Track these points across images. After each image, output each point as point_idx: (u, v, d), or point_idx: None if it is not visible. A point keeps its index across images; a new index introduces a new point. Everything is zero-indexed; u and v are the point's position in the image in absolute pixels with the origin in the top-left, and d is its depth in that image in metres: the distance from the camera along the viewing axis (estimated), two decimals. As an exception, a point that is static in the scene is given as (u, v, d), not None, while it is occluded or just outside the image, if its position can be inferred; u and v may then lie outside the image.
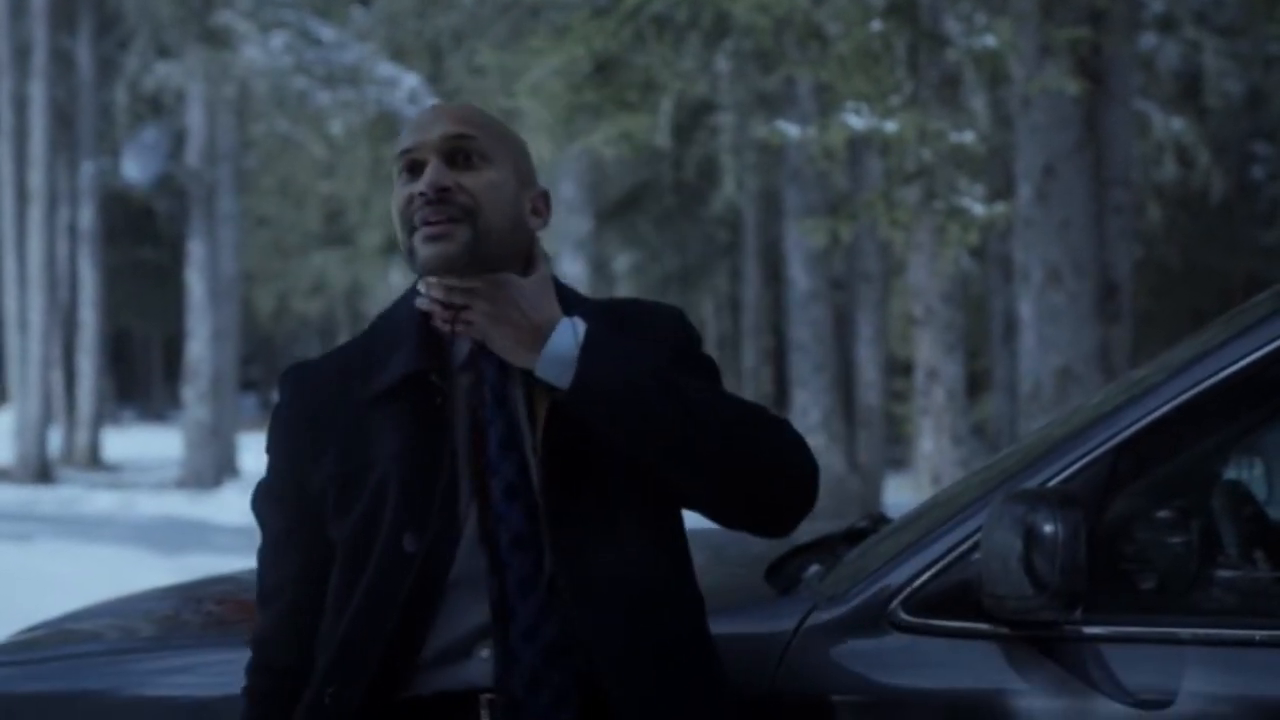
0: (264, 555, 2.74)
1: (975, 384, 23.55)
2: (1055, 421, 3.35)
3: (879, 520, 3.84)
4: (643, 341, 2.58)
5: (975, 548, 2.74)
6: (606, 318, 2.62)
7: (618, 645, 2.50)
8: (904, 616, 2.79)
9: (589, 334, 2.49)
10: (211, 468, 25.09)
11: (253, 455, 27.47)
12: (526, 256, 2.60)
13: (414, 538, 2.52)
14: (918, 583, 2.80)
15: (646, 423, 2.47)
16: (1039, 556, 2.55)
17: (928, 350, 14.89)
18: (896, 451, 27.55)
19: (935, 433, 14.78)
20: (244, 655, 2.86)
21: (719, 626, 2.90)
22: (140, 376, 59.29)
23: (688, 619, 2.62)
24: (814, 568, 3.33)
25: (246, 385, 52.62)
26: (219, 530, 18.18)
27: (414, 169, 2.56)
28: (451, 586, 2.53)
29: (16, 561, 14.37)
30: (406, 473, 2.54)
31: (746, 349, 29.41)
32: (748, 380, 29.53)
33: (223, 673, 3.14)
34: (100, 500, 22.08)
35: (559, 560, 2.51)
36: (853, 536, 3.67)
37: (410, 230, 2.53)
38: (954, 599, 2.76)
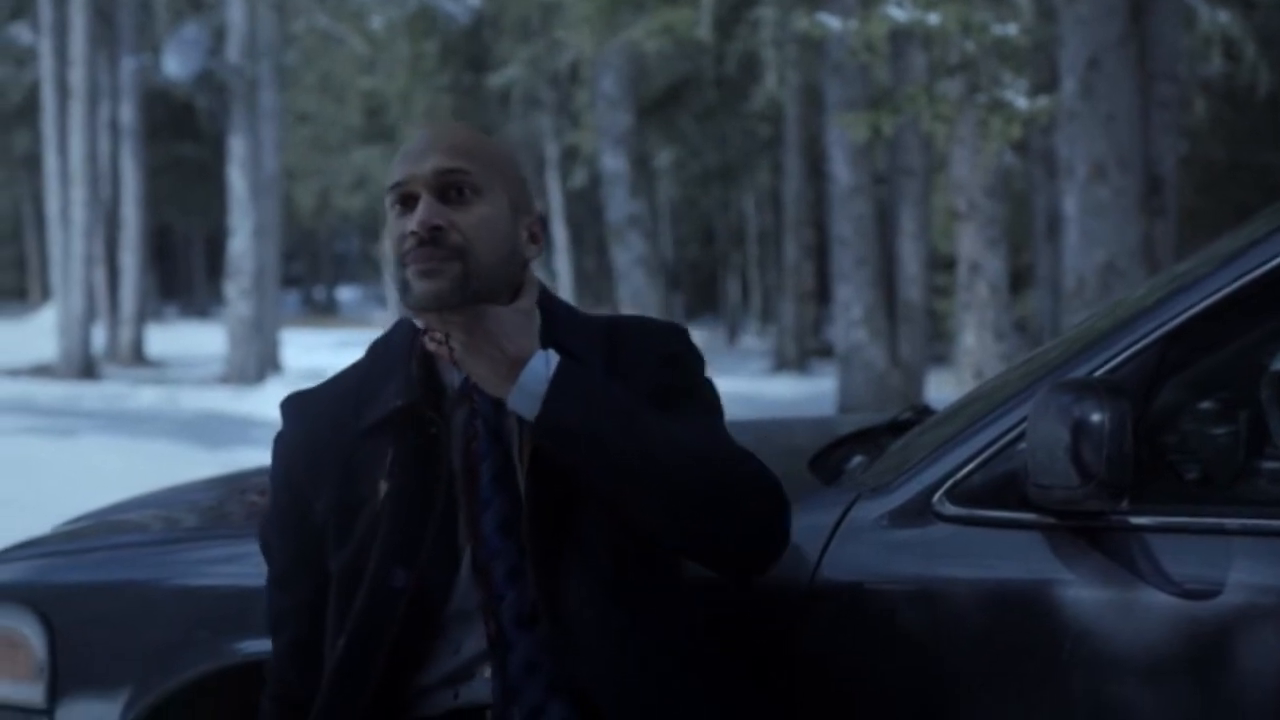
0: (270, 586, 2.75)
1: (1018, 280, 23.46)
2: (1099, 313, 3.32)
3: (923, 411, 3.83)
4: (629, 369, 2.58)
5: (1021, 438, 2.72)
6: (601, 340, 2.61)
7: (612, 679, 2.50)
8: (949, 507, 2.77)
9: (558, 369, 2.47)
10: (254, 363, 25.19)
11: (295, 351, 27.60)
12: (517, 285, 2.59)
13: (403, 573, 2.52)
14: (963, 473, 2.78)
15: (607, 461, 2.45)
16: (1086, 446, 2.53)
17: (970, 245, 14.83)
18: (938, 347, 27.52)
19: (978, 328, 14.74)
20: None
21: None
22: (182, 273, 59.52)
23: (682, 640, 2.60)
24: (858, 459, 3.32)
25: (289, 281, 52.85)
26: (262, 425, 18.27)
27: (406, 202, 2.53)
28: (451, 619, 2.55)
29: (62, 457, 14.47)
30: (397, 507, 2.54)
31: (788, 244, 29.32)
32: (789, 276, 29.46)
33: (259, 565, 3.16)
34: (144, 396, 22.19)
35: (541, 594, 2.50)
36: (897, 428, 3.65)
37: (403, 265, 2.50)
38: (999, 489, 2.75)
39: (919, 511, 2.79)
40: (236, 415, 19.69)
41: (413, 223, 2.47)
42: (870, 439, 3.62)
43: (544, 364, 2.46)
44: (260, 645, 3.05)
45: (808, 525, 2.83)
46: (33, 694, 3.29)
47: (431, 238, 2.45)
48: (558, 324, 2.61)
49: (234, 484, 4.03)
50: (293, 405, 2.73)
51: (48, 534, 3.79)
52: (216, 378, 25.63)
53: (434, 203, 2.48)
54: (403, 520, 2.53)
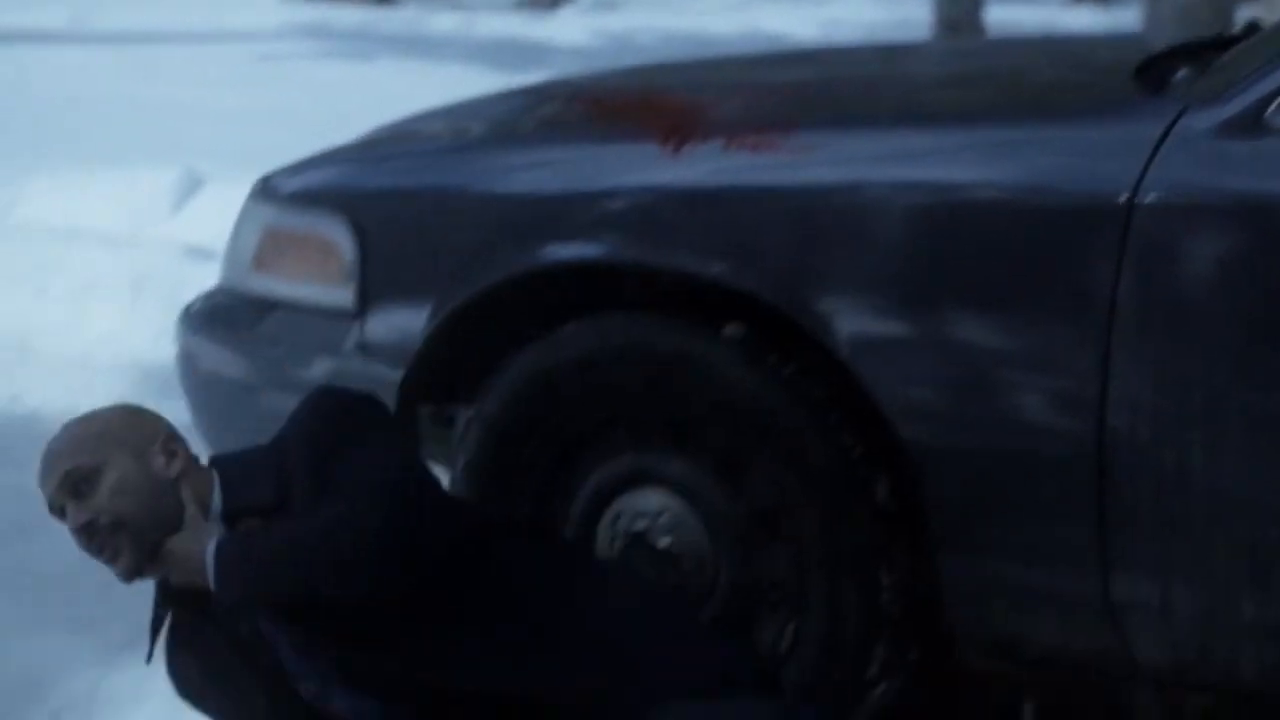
0: None
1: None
2: None
3: (1251, 28, 3.62)
4: (294, 475, 2.79)
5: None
6: (274, 471, 2.82)
7: None
8: (1283, 120, 2.62)
9: (213, 560, 2.70)
10: (546, -9, 25.07)
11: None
12: (180, 505, 2.80)
13: None
14: (1299, 86, 2.62)
15: (283, 589, 2.72)
16: None
17: None
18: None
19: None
20: (586, 154, 2.93)
21: (1080, 129, 2.79)
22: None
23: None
24: (1184, 71, 3.16)
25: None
26: (556, 51, 18.28)
27: (63, 514, 2.79)
28: None
29: (359, 80, 14.67)
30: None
31: None
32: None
33: (561, 171, 3.18)
34: (440, 21, 22.28)
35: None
36: (1223, 44, 3.46)
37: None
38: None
39: (1251, 124, 2.64)
40: (530, 40, 19.70)
41: (72, 530, 2.77)
42: (1196, 54, 3.44)
43: (212, 558, 2.71)
44: (564, 250, 3.07)
45: (1130, 137, 2.71)
46: (343, 298, 3.35)
47: (90, 534, 2.75)
48: (234, 490, 2.83)
49: (529, 95, 4.02)
50: None
51: (353, 142, 3.82)
52: (511, 4, 25.63)
53: (74, 506, 2.76)
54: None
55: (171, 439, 2.86)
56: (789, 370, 2.93)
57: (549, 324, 3.13)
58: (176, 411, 5.09)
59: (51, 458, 2.82)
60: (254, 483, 2.83)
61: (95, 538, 2.75)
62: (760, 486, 2.99)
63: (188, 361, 3.75)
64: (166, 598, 2.87)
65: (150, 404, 5.65)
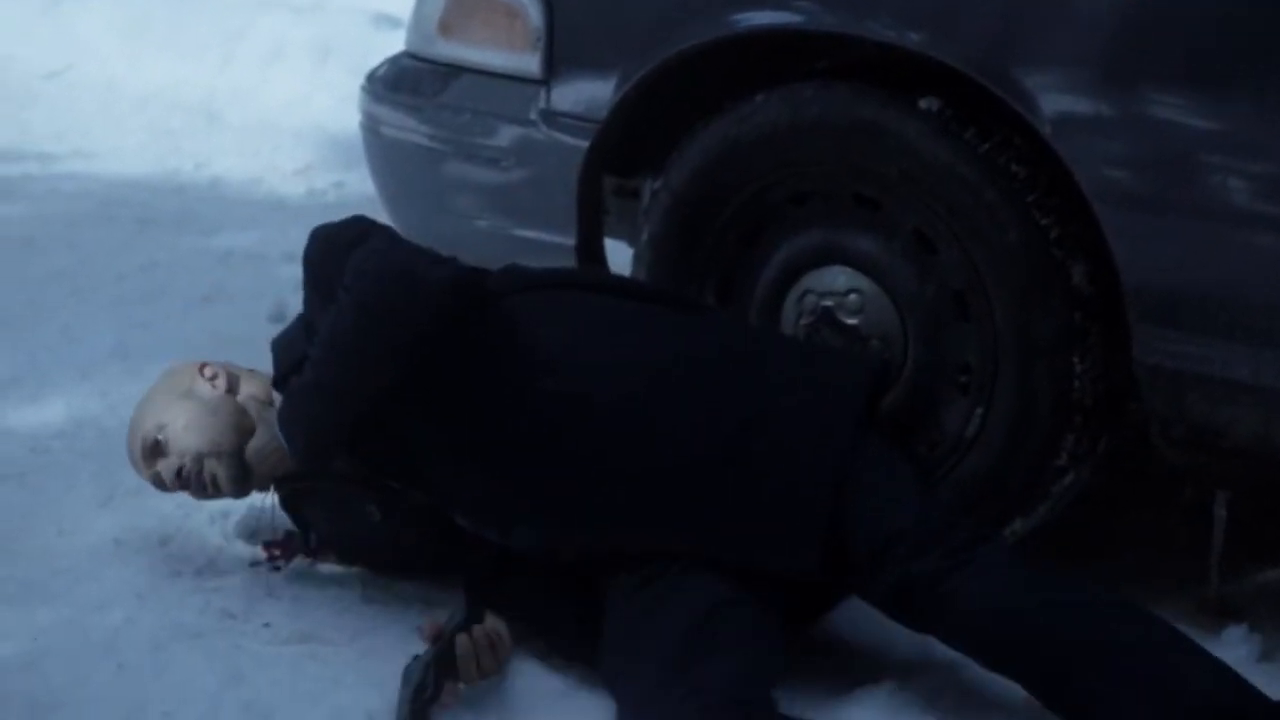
0: None
1: None
2: None
3: None
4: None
5: None
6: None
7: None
8: None
9: (279, 431, 2.85)
10: None
11: None
12: (246, 414, 3.00)
13: None
14: None
15: (345, 404, 2.81)
16: None
17: None
18: None
19: None
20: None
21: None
22: None
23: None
24: None
25: None
26: None
27: (162, 483, 3.03)
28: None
29: None
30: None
31: None
32: None
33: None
34: None
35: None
36: None
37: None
38: None
39: None
40: None
41: (173, 487, 3.01)
42: None
43: (278, 431, 2.87)
44: (758, 17, 2.97)
45: None
46: (529, 64, 3.29)
47: (185, 482, 2.98)
48: (279, 363, 2.98)
49: None
50: None
51: None
52: None
53: (164, 466, 2.99)
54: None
55: (205, 366, 3.08)
56: (986, 146, 2.85)
57: (739, 94, 3.06)
58: (359, 180, 5.14)
59: (128, 451, 3.06)
60: (291, 345, 2.97)
61: (191, 479, 2.96)
62: (952, 266, 2.92)
63: (371, 128, 3.73)
64: (290, 489, 3.03)
65: (333, 172, 5.69)
